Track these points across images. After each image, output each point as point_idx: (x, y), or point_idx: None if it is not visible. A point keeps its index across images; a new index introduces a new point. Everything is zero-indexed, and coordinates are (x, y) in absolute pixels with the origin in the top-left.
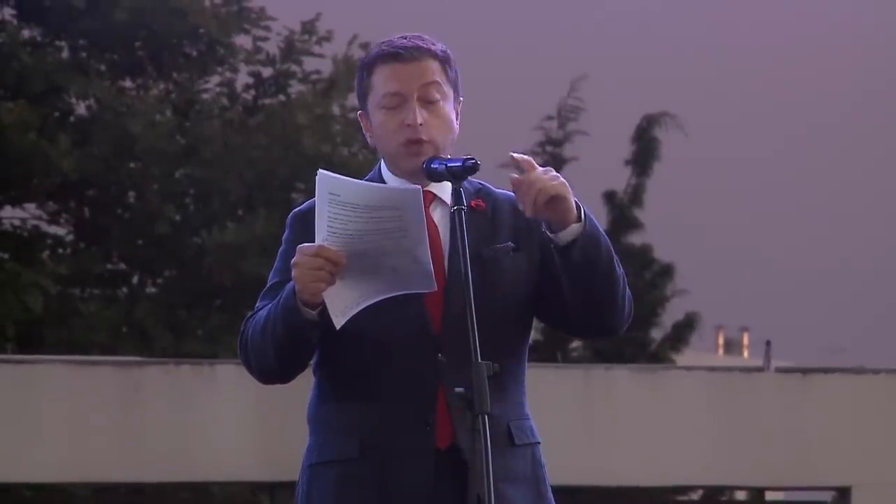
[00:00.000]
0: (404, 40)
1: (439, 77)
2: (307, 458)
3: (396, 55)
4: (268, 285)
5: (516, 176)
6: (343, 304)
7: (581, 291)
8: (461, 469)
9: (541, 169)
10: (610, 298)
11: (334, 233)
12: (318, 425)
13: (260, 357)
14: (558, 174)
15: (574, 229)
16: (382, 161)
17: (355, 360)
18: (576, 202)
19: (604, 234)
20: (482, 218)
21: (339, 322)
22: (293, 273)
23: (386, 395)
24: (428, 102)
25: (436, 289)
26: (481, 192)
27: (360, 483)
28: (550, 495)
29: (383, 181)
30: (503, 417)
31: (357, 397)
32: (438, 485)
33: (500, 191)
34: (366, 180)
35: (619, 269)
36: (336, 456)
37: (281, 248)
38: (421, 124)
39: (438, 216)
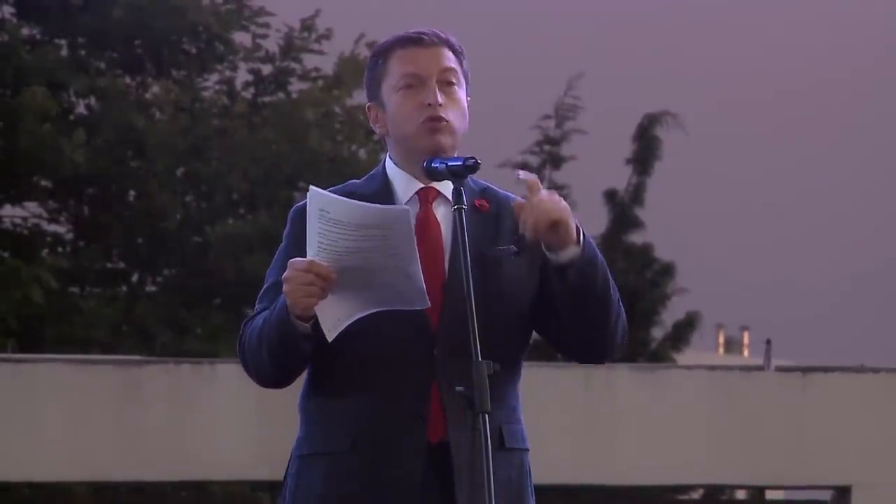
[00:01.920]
0: (422, 30)
1: (455, 66)
2: (297, 448)
3: (417, 40)
4: (266, 285)
5: (520, 200)
6: (335, 317)
7: (575, 314)
8: (451, 464)
9: (545, 192)
10: (603, 324)
11: (324, 249)
12: (310, 416)
13: (257, 363)
14: (561, 198)
15: (572, 251)
16: (388, 156)
17: (350, 352)
18: (577, 225)
19: (602, 260)
20: (486, 218)
21: (331, 336)
22: (284, 288)
23: (379, 388)
24: (447, 85)
25: (430, 306)
26: (486, 193)
27: (349, 475)
28: (533, 502)
29: (387, 177)
30: (496, 419)
31: (350, 389)
32: (428, 479)
33: (504, 193)
34: (369, 176)
35: (615, 296)
36: (326, 447)
37: (280, 245)
38: (441, 104)
39: (442, 214)
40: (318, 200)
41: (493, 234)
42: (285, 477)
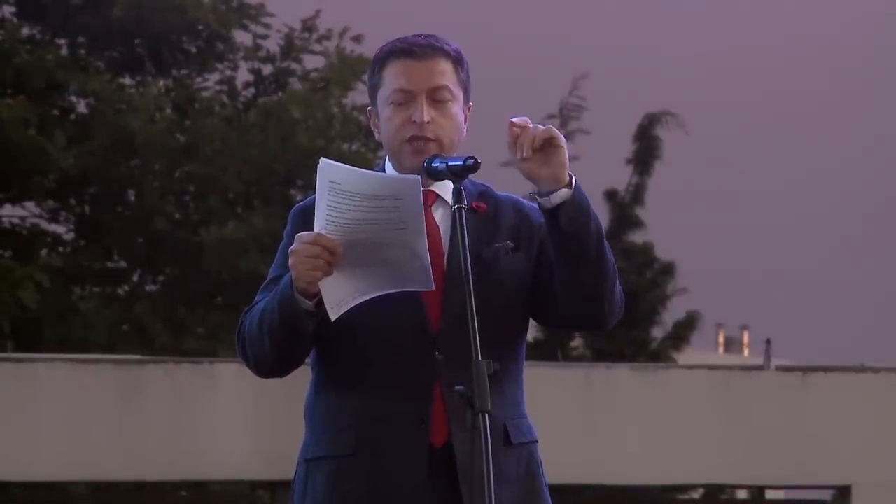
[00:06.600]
0: (419, 38)
1: (450, 78)
2: (302, 452)
3: (410, 52)
4: (267, 279)
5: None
6: (339, 296)
7: (570, 271)
8: (455, 467)
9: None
10: (600, 281)
11: (333, 221)
12: (314, 420)
13: (257, 349)
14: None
15: (563, 193)
16: (387, 158)
17: (353, 356)
18: (570, 174)
19: (595, 215)
20: (483, 219)
21: (334, 315)
22: (290, 261)
23: (382, 391)
24: (437, 101)
25: (434, 288)
26: (484, 195)
27: (354, 478)
28: (546, 494)
29: None
30: (500, 416)
31: (353, 393)
32: (432, 482)
33: (502, 193)
34: None
35: (610, 257)
36: (331, 451)
37: (281, 243)
38: (428, 122)
39: (440, 216)
40: (329, 172)
41: (491, 234)
42: (293, 481)
